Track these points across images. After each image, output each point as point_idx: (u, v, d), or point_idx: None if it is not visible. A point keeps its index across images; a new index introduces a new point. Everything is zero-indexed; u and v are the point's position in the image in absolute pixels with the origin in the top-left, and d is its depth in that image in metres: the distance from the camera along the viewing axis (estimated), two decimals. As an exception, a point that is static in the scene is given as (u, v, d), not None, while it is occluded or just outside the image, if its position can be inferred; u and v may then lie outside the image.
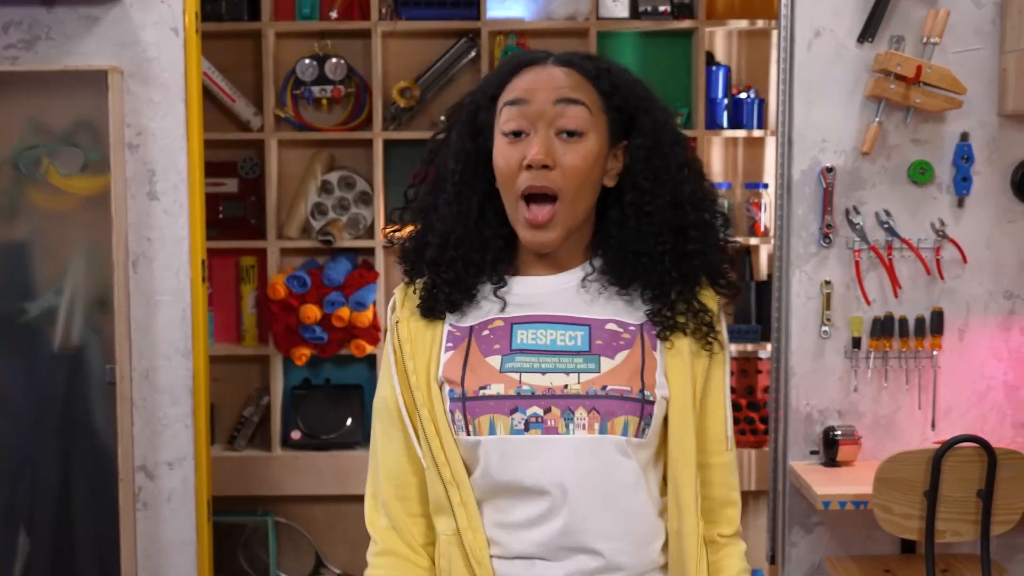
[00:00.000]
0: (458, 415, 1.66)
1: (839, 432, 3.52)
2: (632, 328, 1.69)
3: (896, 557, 3.54)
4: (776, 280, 3.66)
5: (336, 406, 4.71)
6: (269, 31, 4.62)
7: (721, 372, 1.73)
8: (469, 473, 1.68)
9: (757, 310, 4.73)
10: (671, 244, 1.69)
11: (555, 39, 4.72)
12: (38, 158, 3.39)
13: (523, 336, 1.68)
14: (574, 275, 1.72)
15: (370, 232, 4.72)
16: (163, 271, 3.47)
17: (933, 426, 3.57)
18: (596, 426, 1.63)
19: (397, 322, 1.74)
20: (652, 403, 1.65)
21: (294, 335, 4.60)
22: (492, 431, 1.64)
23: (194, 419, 3.52)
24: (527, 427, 1.63)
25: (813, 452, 3.59)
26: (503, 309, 1.70)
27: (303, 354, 4.61)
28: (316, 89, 4.65)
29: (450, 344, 1.71)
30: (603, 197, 1.72)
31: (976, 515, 3.16)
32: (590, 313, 1.70)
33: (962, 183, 3.52)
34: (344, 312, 4.56)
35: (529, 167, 1.63)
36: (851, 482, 3.36)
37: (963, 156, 3.51)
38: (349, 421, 4.69)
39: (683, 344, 1.69)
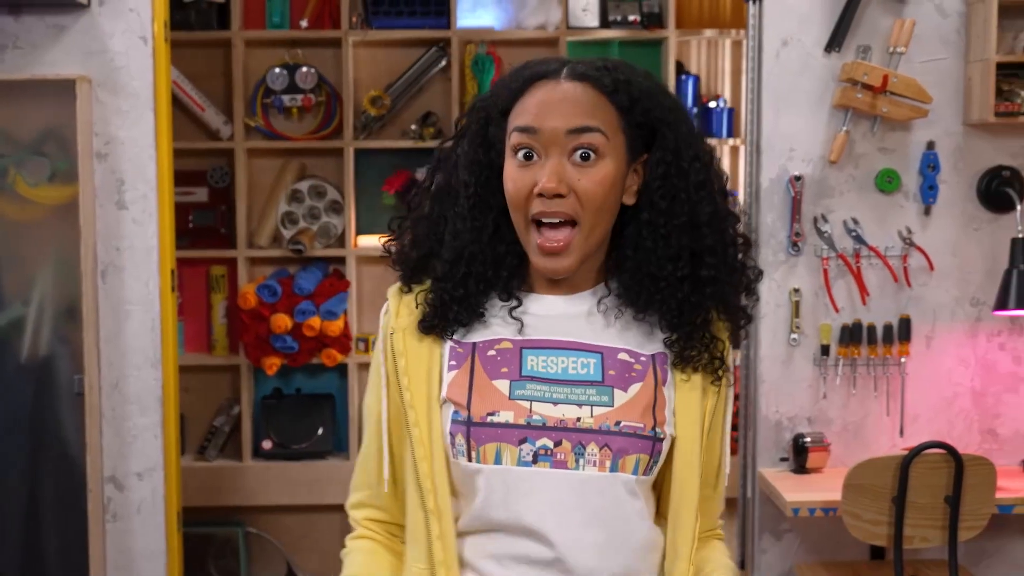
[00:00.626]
0: (460, 439, 1.56)
1: (808, 439, 3.54)
2: (644, 359, 1.61)
3: (865, 563, 3.56)
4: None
5: (307, 416, 4.69)
6: (239, 39, 4.61)
7: (725, 409, 1.66)
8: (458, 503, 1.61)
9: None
10: (690, 269, 1.58)
11: (525, 48, 4.73)
12: (5, 168, 3.37)
13: (533, 362, 1.59)
14: (588, 298, 1.63)
15: (341, 241, 4.72)
16: (132, 281, 3.45)
17: (901, 432, 3.60)
18: (607, 463, 1.55)
19: (392, 333, 1.63)
20: (662, 440, 1.58)
21: (265, 344, 4.59)
22: (498, 460, 1.55)
23: (163, 429, 3.50)
24: (535, 459, 1.55)
25: (783, 459, 3.60)
26: (514, 320, 1.62)
27: (274, 363, 4.59)
28: (286, 98, 4.65)
29: (453, 362, 1.61)
30: (621, 214, 1.61)
31: (944, 521, 3.19)
32: (603, 340, 1.61)
33: (929, 191, 3.54)
34: (315, 321, 4.55)
35: (541, 195, 1.54)
36: (820, 489, 3.38)
37: (929, 165, 3.54)
38: (320, 431, 4.67)
39: (696, 379, 1.61)
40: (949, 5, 3.51)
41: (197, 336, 4.79)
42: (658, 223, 1.57)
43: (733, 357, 1.68)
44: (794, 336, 3.58)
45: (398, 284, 1.67)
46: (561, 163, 1.54)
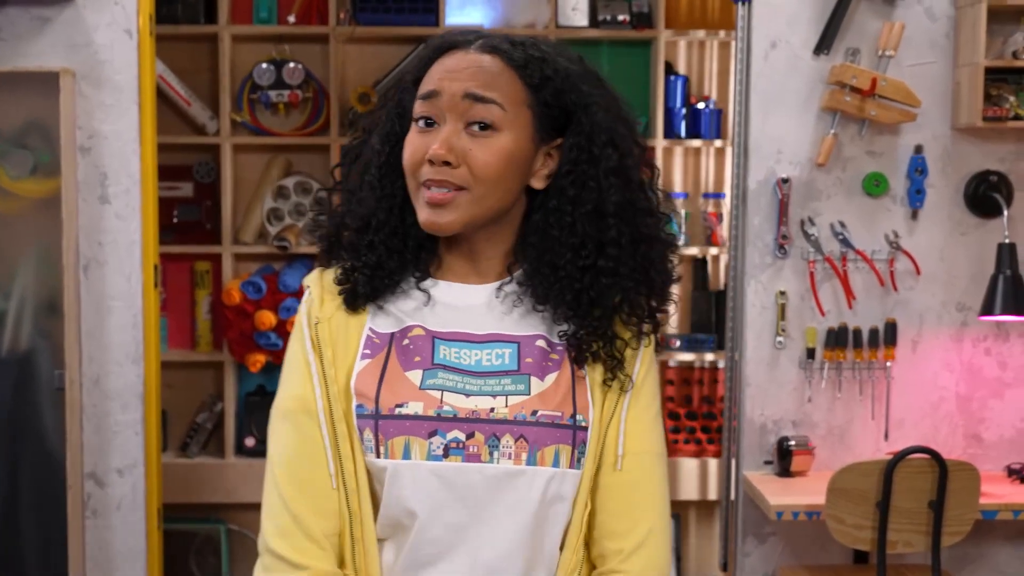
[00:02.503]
0: (368, 434, 1.49)
1: (793, 442, 3.53)
2: (559, 348, 1.54)
3: (849, 567, 3.55)
4: (731, 290, 3.67)
5: None
6: (225, 34, 4.58)
7: (622, 406, 1.55)
8: (374, 505, 1.52)
9: (713, 320, 4.74)
10: (592, 260, 1.52)
11: (514, 46, 4.71)
12: (-13, 160, 3.35)
13: (445, 352, 1.53)
14: (498, 287, 1.56)
15: (326, 238, 4.69)
16: (114, 275, 3.43)
17: (886, 437, 3.59)
18: (524, 456, 1.48)
19: (317, 323, 1.55)
20: (585, 428, 1.51)
21: (249, 341, 4.56)
22: (407, 455, 1.47)
23: (145, 426, 3.48)
24: (446, 453, 1.47)
25: (767, 462, 3.60)
26: (426, 306, 1.55)
27: (258, 360, 4.57)
28: (273, 93, 4.62)
29: (367, 351, 1.53)
30: (532, 200, 1.56)
31: (927, 526, 3.18)
32: (519, 329, 1.54)
33: (916, 195, 3.54)
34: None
35: (430, 162, 1.48)
36: (804, 492, 3.37)
37: (917, 168, 3.53)
38: (303, 428, 4.64)
39: (596, 374, 1.54)
40: (938, 9, 3.50)
41: (181, 332, 4.77)
42: (564, 210, 1.52)
43: (646, 360, 1.58)
44: (780, 339, 3.58)
45: (317, 271, 1.61)
46: (455, 131, 1.49)
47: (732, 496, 3.68)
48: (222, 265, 4.65)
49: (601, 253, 1.52)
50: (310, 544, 1.51)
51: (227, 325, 4.57)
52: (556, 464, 1.49)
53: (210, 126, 4.64)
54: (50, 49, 3.36)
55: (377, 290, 1.55)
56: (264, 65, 4.62)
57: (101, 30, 3.36)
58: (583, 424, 1.51)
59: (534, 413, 1.49)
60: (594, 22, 4.66)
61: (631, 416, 1.56)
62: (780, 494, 3.37)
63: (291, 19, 4.62)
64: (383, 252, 1.54)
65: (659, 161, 4.70)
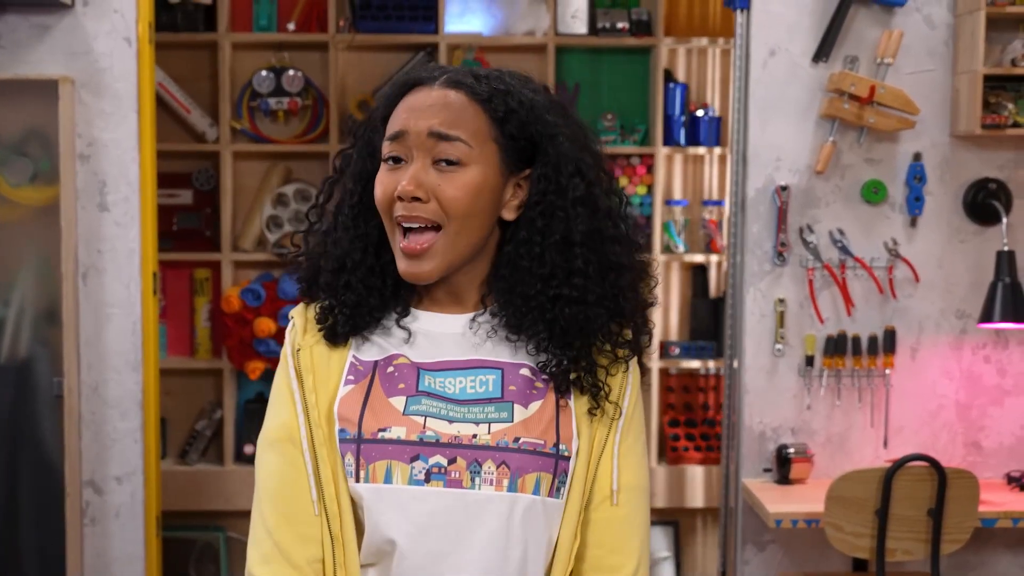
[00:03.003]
0: (349, 458, 1.49)
1: (792, 450, 3.53)
2: (544, 377, 1.54)
3: (848, 575, 3.55)
4: (730, 298, 3.67)
5: None
6: (225, 42, 4.59)
7: (614, 439, 1.55)
8: (357, 530, 1.52)
9: (713, 327, 4.74)
10: (561, 290, 1.52)
11: (513, 54, 4.72)
12: (-13, 168, 3.35)
13: (430, 381, 1.53)
14: (478, 315, 1.57)
15: (326, 245, 4.69)
16: (113, 283, 3.43)
17: (885, 444, 3.59)
18: (505, 483, 1.48)
19: (299, 350, 1.56)
20: (567, 458, 1.51)
21: (248, 348, 4.56)
22: (388, 479, 1.47)
23: (144, 433, 3.48)
24: (428, 478, 1.47)
25: (766, 470, 3.59)
26: (408, 342, 1.56)
27: (257, 368, 4.57)
28: (273, 101, 4.63)
29: (351, 378, 1.54)
30: (504, 231, 1.56)
31: (927, 534, 3.18)
32: (501, 355, 1.55)
33: (915, 203, 3.54)
34: (299, 326, 4.51)
35: (400, 199, 1.49)
36: (803, 500, 3.37)
37: (916, 176, 3.53)
38: (303, 436, 4.64)
39: (581, 404, 1.54)
40: (937, 17, 3.51)
41: (180, 339, 4.77)
42: (534, 240, 1.52)
43: (635, 390, 1.58)
44: (779, 347, 3.57)
45: (302, 305, 1.62)
46: (423, 167, 1.50)
47: (731, 504, 3.68)
48: (221, 272, 4.65)
49: (567, 282, 1.52)
50: (292, 571, 1.51)
51: (226, 332, 4.57)
52: (537, 492, 1.49)
53: (210, 133, 4.65)
54: (50, 57, 3.36)
55: (358, 327, 1.56)
56: (264, 73, 4.62)
57: (101, 38, 3.37)
58: (565, 454, 1.51)
59: (516, 440, 1.49)
60: (593, 30, 4.67)
61: (623, 449, 1.56)
62: (779, 502, 3.36)
63: (291, 27, 4.63)
64: (362, 291, 1.55)
65: (659, 169, 4.71)
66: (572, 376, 1.53)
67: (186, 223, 4.70)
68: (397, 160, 1.51)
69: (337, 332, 1.55)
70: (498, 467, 1.48)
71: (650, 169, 4.75)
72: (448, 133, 1.49)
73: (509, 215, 1.55)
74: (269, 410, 1.58)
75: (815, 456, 3.56)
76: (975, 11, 3.36)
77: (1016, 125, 3.42)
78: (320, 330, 1.56)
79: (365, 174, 1.57)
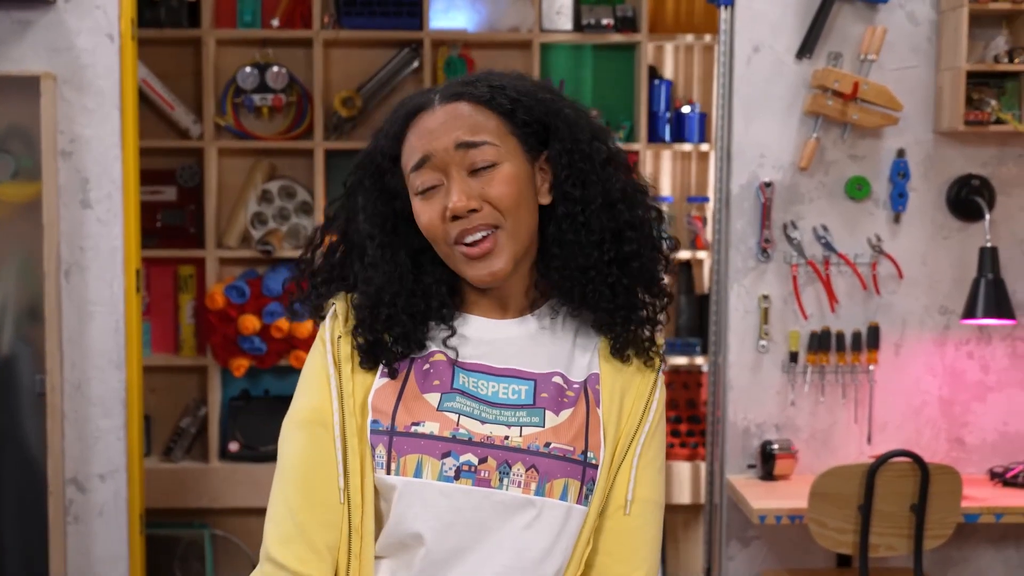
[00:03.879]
0: (380, 449, 1.50)
1: (776, 446, 3.53)
2: (576, 386, 1.56)
3: (832, 571, 3.55)
4: (714, 294, 3.67)
5: (274, 418, 4.51)
6: (209, 38, 4.57)
7: (639, 440, 1.57)
8: (377, 523, 1.53)
9: (699, 323, 4.75)
10: (615, 251, 1.55)
11: (498, 50, 4.72)
12: (-32, 165, 3.33)
13: (464, 380, 1.54)
14: (520, 322, 1.58)
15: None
16: (96, 281, 3.42)
17: (869, 440, 3.60)
18: (533, 486, 1.49)
19: (340, 337, 1.56)
20: (595, 466, 1.53)
21: (232, 346, 4.55)
22: (418, 474, 1.48)
23: (127, 431, 3.47)
24: (458, 475, 1.48)
25: (750, 466, 3.60)
26: (451, 338, 1.57)
27: (241, 365, 4.56)
28: (257, 97, 4.61)
29: (386, 370, 1.55)
30: (540, 217, 1.58)
31: (909, 529, 3.18)
32: (536, 366, 1.56)
33: (898, 199, 3.55)
34: (283, 323, 4.51)
35: (455, 217, 1.50)
36: (787, 496, 3.37)
37: (899, 172, 3.54)
38: (288, 433, 4.63)
39: (611, 413, 1.55)
40: (921, 13, 3.51)
41: (164, 336, 4.75)
42: (575, 212, 1.54)
43: (661, 402, 1.61)
44: (763, 343, 3.58)
45: (342, 293, 1.60)
46: (464, 180, 1.51)
47: (716, 500, 3.68)
48: (206, 269, 4.64)
49: (622, 239, 1.55)
50: (312, 554, 1.51)
51: (211, 329, 4.56)
52: (564, 498, 1.51)
53: (193, 130, 4.63)
54: (31, 53, 3.35)
55: (407, 355, 1.56)
56: (248, 69, 4.61)
57: (83, 34, 3.35)
58: (593, 462, 1.52)
59: (547, 445, 1.51)
60: (578, 26, 4.66)
61: (643, 462, 1.58)
62: (763, 498, 3.37)
63: (275, 23, 4.61)
64: (407, 321, 1.55)
65: (644, 165, 4.70)
66: (629, 335, 1.56)
67: (170, 220, 4.68)
68: (428, 190, 1.52)
69: (387, 361, 1.55)
70: (527, 470, 1.49)
71: (635, 166, 4.75)
72: (473, 140, 1.51)
73: (544, 199, 1.57)
74: (300, 391, 1.58)
75: (799, 452, 3.56)
76: (958, 8, 3.37)
77: (999, 122, 3.43)
78: (362, 363, 1.55)
79: (381, 217, 1.57)
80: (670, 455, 4.70)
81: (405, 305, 1.55)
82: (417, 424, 1.50)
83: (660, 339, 1.62)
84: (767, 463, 3.53)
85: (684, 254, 4.78)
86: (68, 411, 3.44)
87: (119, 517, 3.48)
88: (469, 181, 1.51)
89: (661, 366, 1.62)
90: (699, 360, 4.75)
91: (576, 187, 1.55)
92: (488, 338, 1.57)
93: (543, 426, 1.52)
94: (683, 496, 4.70)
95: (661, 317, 1.61)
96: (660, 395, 1.61)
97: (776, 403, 3.60)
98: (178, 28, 4.56)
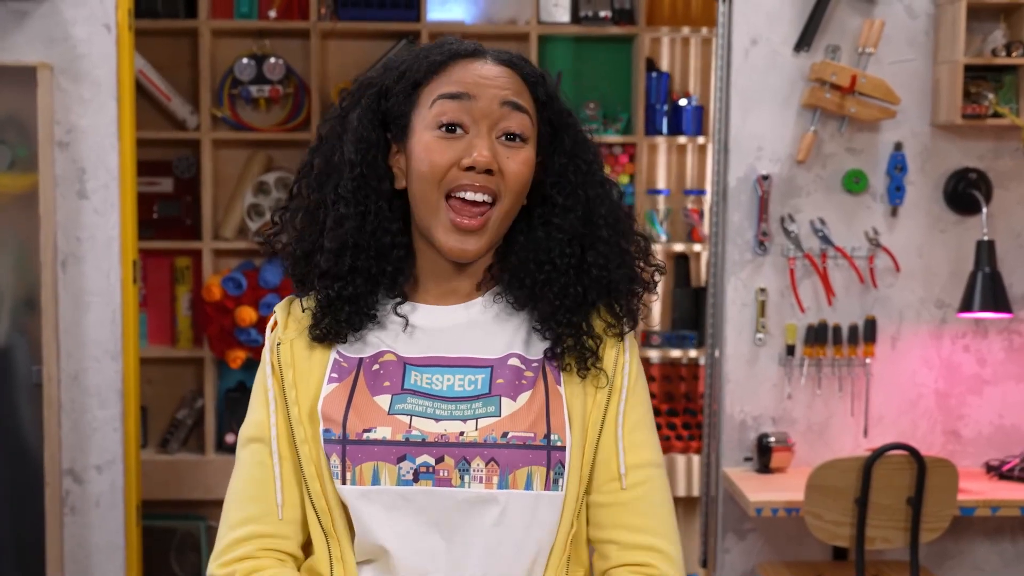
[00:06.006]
0: (335, 459, 1.44)
1: (772, 439, 3.53)
2: (534, 364, 1.50)
3: (828, 564, 3.56)
4: (711, 287, 3.67)
5: None
6: (206, 29, 4.56)
7: (616, 407, 1.51)
8: (352, 526, 1.49)
9: (696, 316, 4.75)
10: (577, 259, 1.51)
11: (495, 42, 4.66)
12: (-36, 155, 3.33)
13: (416, 377, 1.48)
14: (473, 306, 1.53)
15: (307, 234, 4.67)
16: (93, 271, 3.41)
17: (865, 433, 3.60)
18: (495, 480, 1.43)
19: (279, 344, 1.51)
20: (562, 448, 1.45)
21: (229, 337, 4.55)
22: (376, 481, 1.42)
23: (123, 422, 3.46)
24: (416, 478, 1.42)
25: (747, 458, 3.60)
26: (403, 332, 1.51)
27: (238, 357, 4.55)
28: (254, 89, 4.60)
29: (335, 375, 1.49)
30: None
31: (906, 522, 3.19)
32: (491, 351, 1.50)
33: (896, 192, 3.55)
34: (279, 314, 4.50)
35: (471, 168, 1.44)
36: (784, 489, 3.37)
37: (897, 166, 3.54)
38: (284, 424, 4.63)
39: (574, 387, 1.50)
40: (918, 6, 3.51)
41: (161, 328, 4.75)
42: (552, 215, 1.52)
43: (634, 364, 1.54)
44: (760, 336, 3.58)
45: (287, 299, 1.57)
46: (491, 139, 1.46)
47: (712, 492, 3.69)
48: (202, 261, 4.63)
49: (591, 251, 1.52)
50: (258, 546, 1.49)
51: (207, 321, 4.55)
52: (529, 487, 1.44)
53: (190, 121, 4.63)
54: (28, 43, 3.34)
55: (356, 325, 1.50)
56: (245, 60, 4.60)
57: (79, 24, 3.34)
58: (558, 444, 1.46)
59: (505, 435, 1.44)
60: (576, 18, 4.66)
61: (628, 426, 1.51)
62: (759, 490, 3.37)
63: (272, 14, 4.61)
64: (361, 283, 1.49)
65: (641, 158, 4.71)
66: (568, 343, 1.49)
67: (166, 211, 4.68)
68: (452, 128, 1.46)
69: (335, 333, 1.50)
70: (487, 464, 1.43)
71: (632, 158, 4.75)
72: (521, 104, 1.48)
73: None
74: (249, 406, 1.54)
75: (795, 445, 3.57)
76: (956, 1, 3.36)
77: (996, 115, 3.43)
78: (315, 334, 1.50)
79: (366, 143, 1.49)
80: (666, 448, 4.70)
81: (366, 262, 1.48)
82: (369, 430, 1.44)
83: (609, 357, 1.52)
84: (763, 456, 3.54)
85: (680, 247, 4.78)
86: (64, 402, 3.43)
87: (115, 508, 3.48)
88: (496, 144, 1.47)
89: (623, 338, 1.55)
90: (693, 353, 4.75)
91: (561, 195, 1.52)
92: (438, 326, 1.52)
93: (499, 415, 1.45)
94: (679, 488, 4.70)
95: (625, 329, 1.55)
96: (631, 356, 1.54)
97: (773, 396, 3.60)
98: (175, 19, 4.55)
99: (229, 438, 4.62)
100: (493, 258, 1.54)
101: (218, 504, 4.67)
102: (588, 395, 1.50)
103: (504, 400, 1.47)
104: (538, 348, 1.52)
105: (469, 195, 1.45)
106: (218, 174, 4.68)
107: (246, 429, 1.53)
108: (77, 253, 3.40)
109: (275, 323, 1.54)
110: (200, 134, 4.60)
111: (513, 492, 1.44)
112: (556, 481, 1.46)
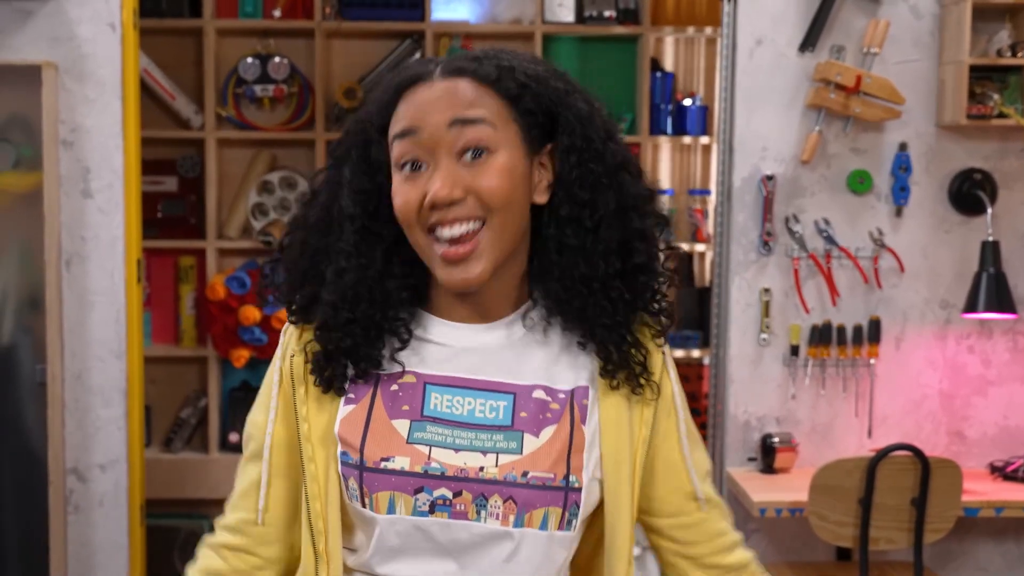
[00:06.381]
0: (352, 483, 1.41)
1: (776, 439, 3.53)
2: (562, 396, 1.44)
3: (832, 564, 3.56)
4: (716, 287, 3.67)
5: None
6: (210, 28, 4.57)
7: (672, 424, 1.48)
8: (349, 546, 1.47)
9: (700, 316, 4.75)
10: (623, 263, 1.41)
11: (500, 42, 4.70)
12: (-31, 154, 3.33)
13: (436, 401, 1.42)
14: (504, 326, 1.45)
15: (311, 233, 4.67)
16: (97, 271, 3.41)
17: (870, 434, 3.60)
18: (511, 518, 1.39)
19: (293, 356, 1.46)
20: (578, 490, 1.41)
21: (233, 336, 4.55)
22: (391, 510, 1.39)
23: (127, 421, 3.47)
24: (432, 509, 1.39)
25: (751, 459, 3.60)
26: (421, 349, 1.45)
27: (242, 356, 4.55)
28: (258, 88, 4.60)
29: (351, 395, 1.44)
30: (536, 218, 1.42)
31: (910, 523, 3.19)
32: (517, 377, 1.44)
33: (900, 193, 3.54)
34: (284, 314, 4.49)
35: (434, 207, 1.35)
36: (788, 489, 3.37)
37: (901, 166, 3.53)
38: (288, 424, 4.63)
39: (622, 409, 1.44)
40: (923, 7, 3.51)
41: (165, 327, 4.75)
42: (582, 216, 1.40)
43: (667, 366, 1.49)
44: (764, 336, 3.58)
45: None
46: (451, 166, 1.36)
47: (716, 493, 3.68)
48: (206, 260, 4.64)
49: (630, 251, 1.42)
50: (220, 540, 1.53)
51: (211, 320, 4.56)
52: (544, 527, 1.41)
53: (195, 120, 4.63)
54: (32, 42, 3.34)
55: (361, 376, 1.44)
56: (249, 59, 4.60)
57: (84, 23, 3.35)
58: (576, 486, 1.41)
59: (524, 474, 1.40)
60: (580, 18, 4.66)
61: (690, 441, 1.51)
62: (763, 491, 3.37)
63: (276, 13, 4.60)
64: (360, 331, 1.42)
65: (645, 158, 4.70)
66: (623, 359, 1.43)
67: (171, 210, 4.68)
68: (415, 166, 1.38)
69: (341, 380, 1.44)
70: (504, 502, 1.39)
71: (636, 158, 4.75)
72: (470, 116, 1.36)
73: (541, 198, 1.42)
74: (255, 402, 1.52)
75: (799, 445, 3.56)
76: (961, 1, 3.36)
77: (1001, 116, 3.42)
78: (317, 383, 1.44)
79: (363, 194, 1.42)
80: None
81: (364, 312, 1.42)
82: (387, 459, 1.40)
83: (657, 366, 1.48)
84: (768, 456, 3.53)
85: (684, 246, 4.78)
86: (69, 401, 3.43)
87: (119, 507, 3.48)
88: (457, 168, 1.36)
89: (663, 350, 1.50)
90: (697, 353, 4.75)
91: (585, 189, 1.40)
92: (463, 346, 1.45)
93: (520, 452, 1.41)
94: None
95: (659, 341, 1.49)
96: (673, 369, 1.50)
97: (777, 396, 3.60)
98: (180, 18, 4.55)
99: (233, 437, 4.62)
100: (528, 278, 1.46)
101: (222, 503, 4.68)
102: (633, 415, 1.46)
103: (527, 436, 1.42)
104: (567, 378, 1.46)
105: (445, 232, 1.37)
106: (222, 173, 4.68)
107: (248, 426, 1.52)
108: (81, 252, 3.41)
109: (287, 328, 1.49)
110: (204, 133, 4.60)
111: (528, 531, 1.41)
112: (570, 522, 1.42)
